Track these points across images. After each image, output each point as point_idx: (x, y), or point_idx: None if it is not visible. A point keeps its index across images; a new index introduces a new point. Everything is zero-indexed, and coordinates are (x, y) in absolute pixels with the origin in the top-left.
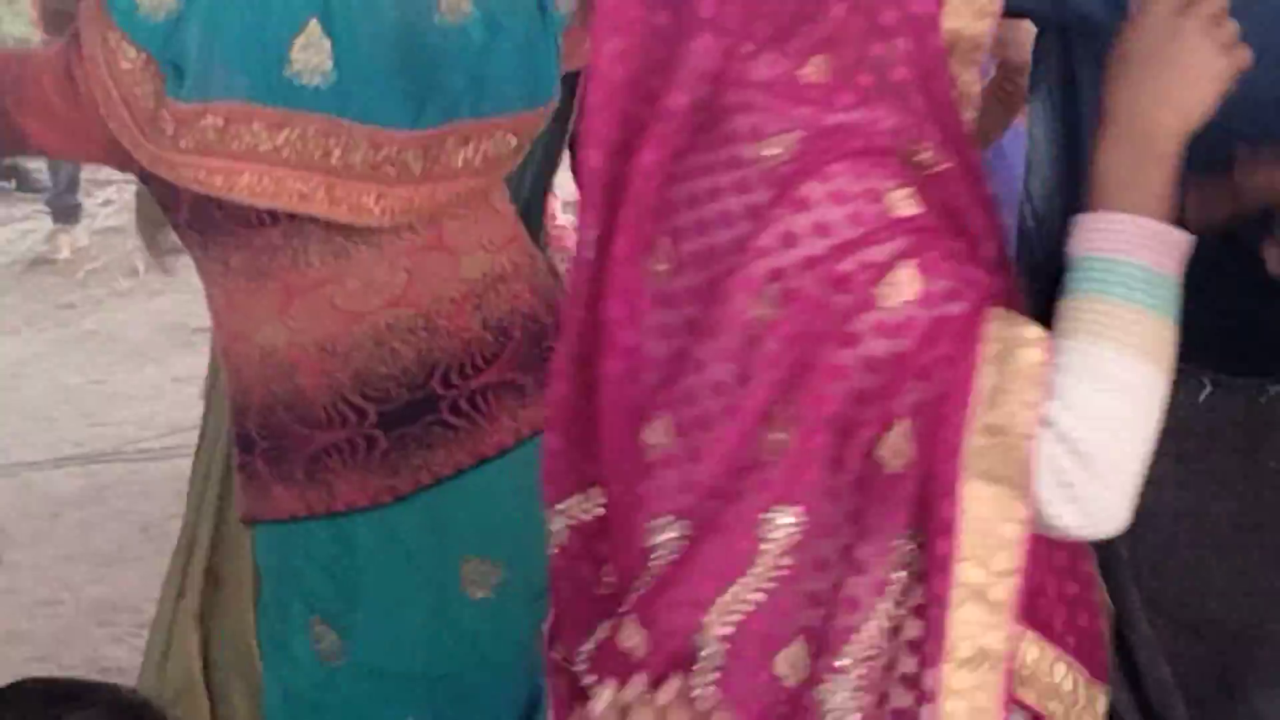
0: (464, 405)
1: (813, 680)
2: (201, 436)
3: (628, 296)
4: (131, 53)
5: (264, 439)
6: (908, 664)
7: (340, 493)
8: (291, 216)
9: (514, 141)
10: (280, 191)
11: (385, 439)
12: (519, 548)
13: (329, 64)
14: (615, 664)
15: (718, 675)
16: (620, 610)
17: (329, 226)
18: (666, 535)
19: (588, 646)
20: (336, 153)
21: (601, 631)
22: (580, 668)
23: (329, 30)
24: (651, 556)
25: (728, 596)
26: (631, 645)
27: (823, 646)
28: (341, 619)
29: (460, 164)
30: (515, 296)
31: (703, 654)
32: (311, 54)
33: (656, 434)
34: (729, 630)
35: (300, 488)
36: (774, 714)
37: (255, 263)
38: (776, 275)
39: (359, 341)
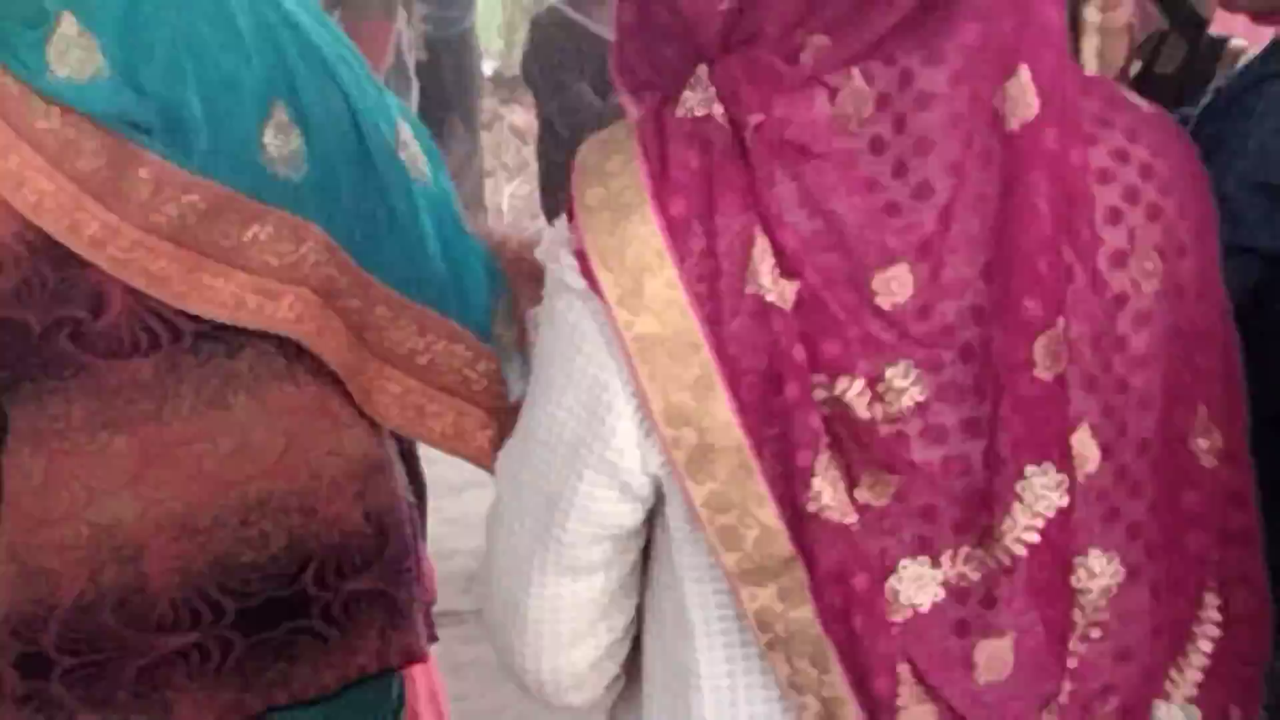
0: (337, 612)
1: None
2: None
3: None
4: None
5: (70, 654)
6: None
7: (179, 714)
8: (175, 340)
9: (472, 374)
10: (265, 309)
11: (242, 644)
12: None
13: (303, 153)
14: None
15: None
16: None
17: (208, 361)
18: None
19: None
20: (310, 259)
21: None
22: None
23: (297, 118)
24: None
25: None
26: None
27: None
28: None
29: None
30: (392, 493)
31: None
32: (285, 140)
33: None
34: None
35: (121, 713)
36: None
37: (108, 412)
38: None
39: (223, 519)
